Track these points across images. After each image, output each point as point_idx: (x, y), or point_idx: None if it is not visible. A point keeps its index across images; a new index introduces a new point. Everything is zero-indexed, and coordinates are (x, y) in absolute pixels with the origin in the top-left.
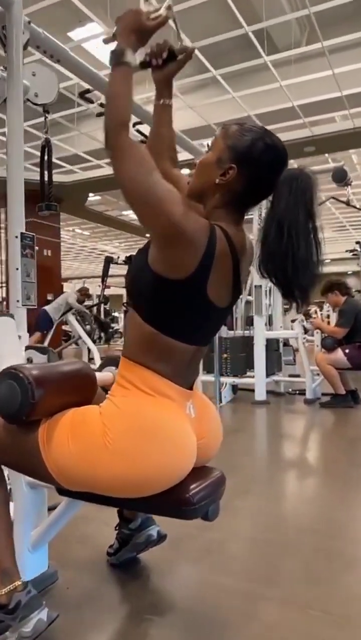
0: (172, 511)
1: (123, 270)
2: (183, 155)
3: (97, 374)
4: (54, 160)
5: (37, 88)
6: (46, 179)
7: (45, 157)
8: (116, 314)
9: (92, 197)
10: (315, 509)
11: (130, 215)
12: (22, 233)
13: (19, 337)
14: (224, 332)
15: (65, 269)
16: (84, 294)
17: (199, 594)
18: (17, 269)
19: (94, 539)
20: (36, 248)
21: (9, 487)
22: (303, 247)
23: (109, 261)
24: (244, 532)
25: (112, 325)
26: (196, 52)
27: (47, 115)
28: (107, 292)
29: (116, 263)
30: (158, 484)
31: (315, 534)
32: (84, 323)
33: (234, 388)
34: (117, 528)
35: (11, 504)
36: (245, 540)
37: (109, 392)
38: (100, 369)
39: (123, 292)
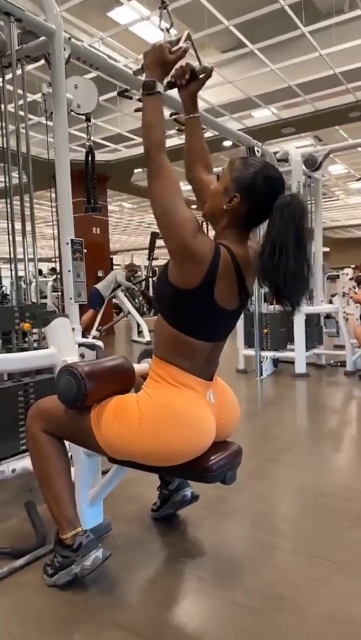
0: (197, 476)
1: None
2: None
3: (136, 366)
4: (99, 140)
5: (80, 99)
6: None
7: (90, 162)
8: None
9: (137, 173)
10: (340, 477)
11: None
12: (71, 240)
13: (73, 329)
14: (264, 308)
15: (113, 242)
16: (131, 270)
17: (225, 543)
18: (69, 271)
19: (140, 498)
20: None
21: (70, 455)
22: (293, 264)
23: (155, 236)
24: (270, 496)
25: None
26: (232, 27)
27: (89, 123)
28: (154, 263)
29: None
30: (182, 456)
31: (333, 498)
32: (132, 299)
33: (275, 361)
34: (159, 489)
35: (72, 469)
36: (269, 502)
37: (144, 383)
38: (138, 360)
39: None
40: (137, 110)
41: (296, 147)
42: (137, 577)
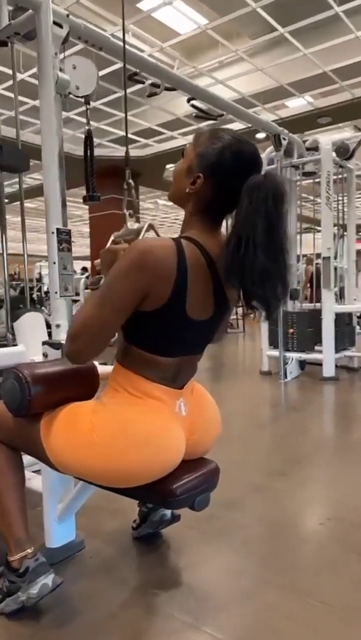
0: (158, 501)
1: None
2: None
3: (101, 368)
4: (130, 135)
5: (78, 81)
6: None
7: (88, 149)
8: None
9: (169, 168)
10: (353, 499)
11: None
12: (57, 229)
13: (58, 325)
14: (290, 305)
15: None
16: None
17: (207, 573)
18: (54, 262)
19: (125, 513)
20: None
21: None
22: (262, 259)
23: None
24: (268, 516)
25: None
26: (261, 11)
27: (88, 106)
28: None
29: None
30: (139, 477)
31: (341, 523)
32: None
33: (302, 363)
34: (138, 505)
35: (39, 479)
36: (266, 524)
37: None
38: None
39: None
40: (150, 95)
41: None
42: (98, 609)
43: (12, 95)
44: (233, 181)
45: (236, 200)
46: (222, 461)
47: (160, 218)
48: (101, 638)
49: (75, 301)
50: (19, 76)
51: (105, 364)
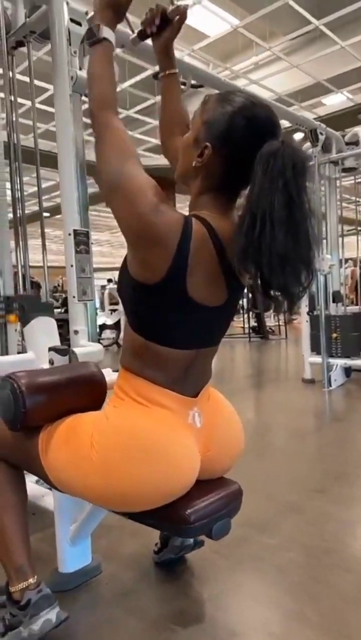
0: (169, 528)
1: None
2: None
3: (109, 375)
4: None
5: None
6: None
7: None
8: None
9: None
10: None
11: None
12: (75, 230)
13: (76, 331)
14: (333, 309)
15: None
16: None
17: (233, 605)
18: (71, 265)
19: (146, 534)
20: None
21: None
22: (281, 239)
23: None
24: (304, 540)
25: None
26: (293, 4)
27: None
28: None
29: None
30: (144, 501)
31: None
32: None
33: (348, 370)
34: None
35: (50, 497)
36: (301, 550)
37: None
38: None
39: None
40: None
41: None
42: None
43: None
44: (246, 150)
45: (247, 172)
46: (255, 476)
47: None
48: None
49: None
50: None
51: (117, 371)
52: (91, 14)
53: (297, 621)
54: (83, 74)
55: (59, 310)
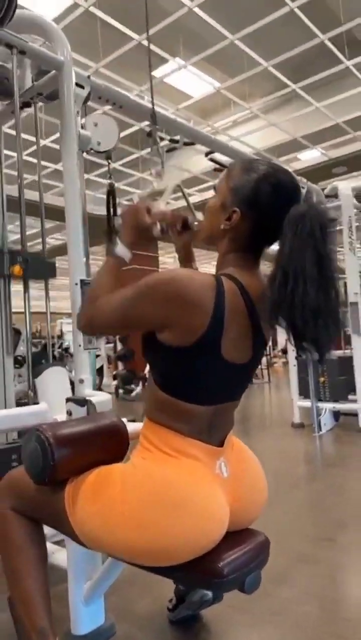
0: (201, 582)
1: None
2: None
3: (130, 426)
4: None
5: (100, 137)
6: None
7: (111, 202)
8: None
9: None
10: None
11: None
12: (81, 280)
13: (82, 380)
14: None
15: None
16: None
17: None
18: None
19: (158, 588)
20: None
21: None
22: (313, 294)
23: None
24: (321, 591)
25: None
26: (272, 69)
27: (110, 161)
28: None
29: None
30: (176, 554)
31: None
32: None
33: (336, 414)
34: (174, 582)
35: (64, 556)
36: (320, 601)
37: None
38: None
39: None
40: (169, 150)
41: None
42: None
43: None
44: (273, 213)
45: (277, 233)
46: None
47: None
48: None
49: (97, 355)
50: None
51: (134, 420)
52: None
53: None
54: (85, 131)
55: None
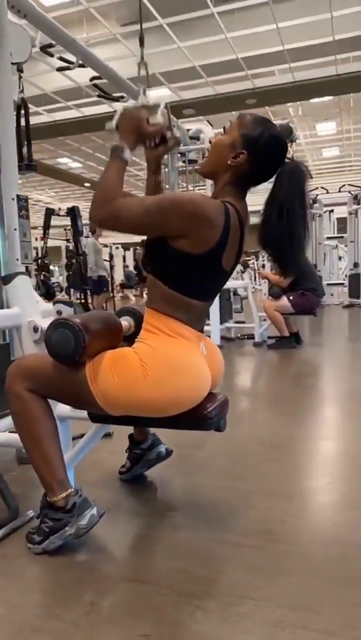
0: (196, 424)
1: (63, 221)
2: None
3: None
4: None
5: (11, 47)
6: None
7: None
8: (54, 268)
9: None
10: (266, 428)
11: (68, 164)
12: (17, 195)
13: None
14: None
15: None
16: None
17: (204, 494)
18: (15, 229)
19: (102, 465)
20: None
21: None
22: (299, 229)
23: (50, 213)
24: (225, 449)
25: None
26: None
27: (21, 74)
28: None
29: (57, 215)
30: (186, 403)
31: (265, 445)
32: None
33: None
34: (127, 451)
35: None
36: (226, 455)
37: (138, 337)
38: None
39: (62, 244)
40: (110, 131)
41: None
42: (128, 534)
43: None
44: (270, 160)
45: (266, 176)
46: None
47: None
48: (147, 554)
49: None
50: None
51: None
52: (110, 126)
53: (250, 493)
54: None
55: None
